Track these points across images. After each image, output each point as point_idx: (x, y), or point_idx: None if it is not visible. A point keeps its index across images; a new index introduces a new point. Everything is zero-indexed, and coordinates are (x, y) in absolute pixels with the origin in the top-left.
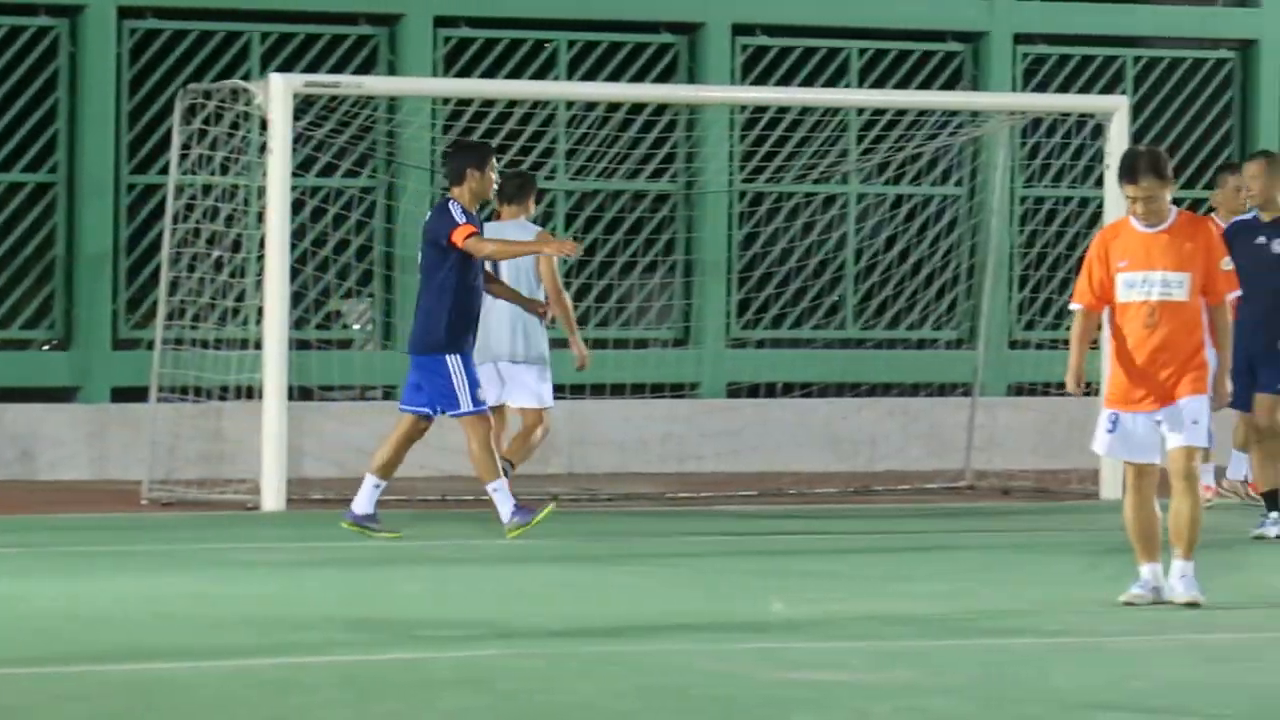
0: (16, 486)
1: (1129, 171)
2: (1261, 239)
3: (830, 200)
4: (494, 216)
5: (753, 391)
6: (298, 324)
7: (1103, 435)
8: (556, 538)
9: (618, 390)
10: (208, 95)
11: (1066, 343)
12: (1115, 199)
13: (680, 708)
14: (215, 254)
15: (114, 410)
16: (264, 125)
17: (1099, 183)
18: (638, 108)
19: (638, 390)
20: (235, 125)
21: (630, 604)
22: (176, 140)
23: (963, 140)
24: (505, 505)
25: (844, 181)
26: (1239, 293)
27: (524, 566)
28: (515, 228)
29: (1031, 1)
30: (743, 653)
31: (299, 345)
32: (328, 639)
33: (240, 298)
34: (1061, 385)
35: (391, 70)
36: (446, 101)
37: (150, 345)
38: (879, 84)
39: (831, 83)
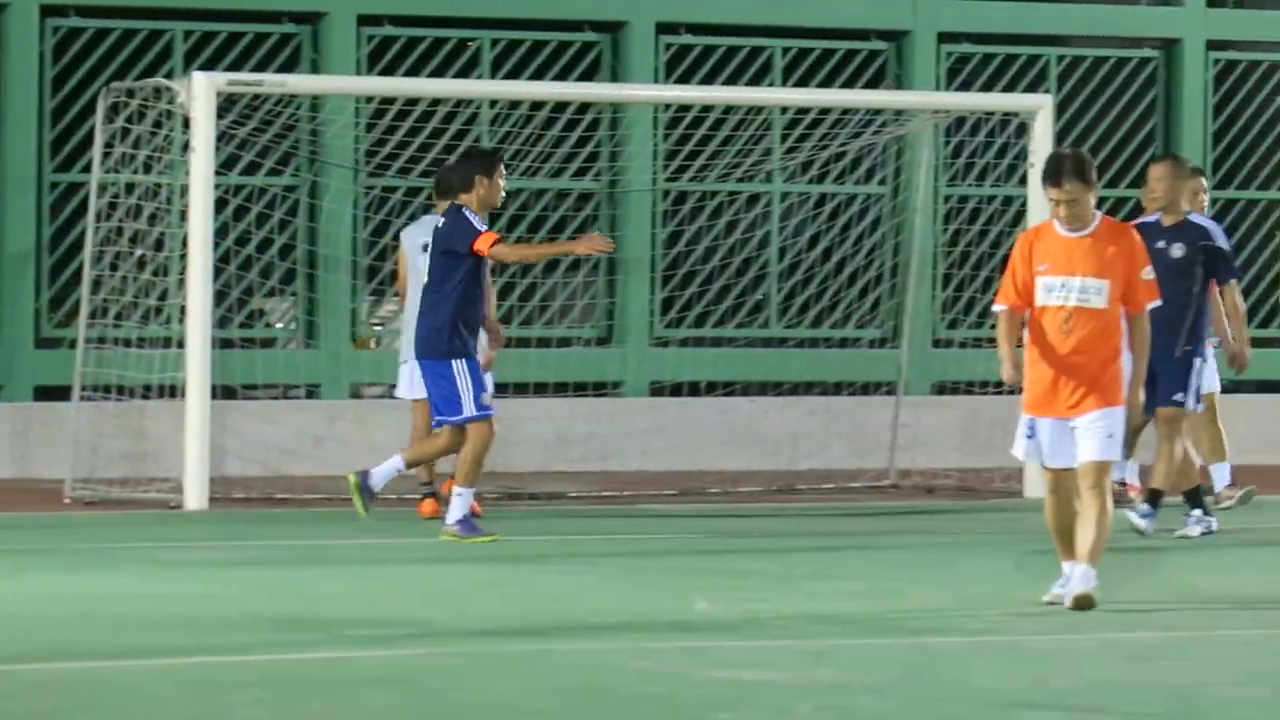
0: None
1: (1053, 174)
2: (1162, 243)
3: (754, 199)
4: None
5: (676, 390)
6: (221, 323)
7: (1021, 440)
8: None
9: (541, 389)
10: (131, 94)
11: (991, 341)
12: (1039, 198)
13: (604, 707)
14: (138, 252)
15: (36, 409)
16: (187, 124)
17: (1023, 182)
18: (561, 106)
19: (561, 389)
20: (158, 124)
21: (554, 603)
22: (99, 139)
23: (887, 139)
24: (459, 510)
25: (768, 180)
26: (1159, 302)
27: (447, 566)
28: None
29: (955, 0)
30: (666, 651)
31: (222, 344)
32: (252, 638)
33: (163, 296)
34: (985, 384)
35: (315, 69)
36: (370, 100)
37: (73, 344)
38: (803, 82)
39: (755, 81)
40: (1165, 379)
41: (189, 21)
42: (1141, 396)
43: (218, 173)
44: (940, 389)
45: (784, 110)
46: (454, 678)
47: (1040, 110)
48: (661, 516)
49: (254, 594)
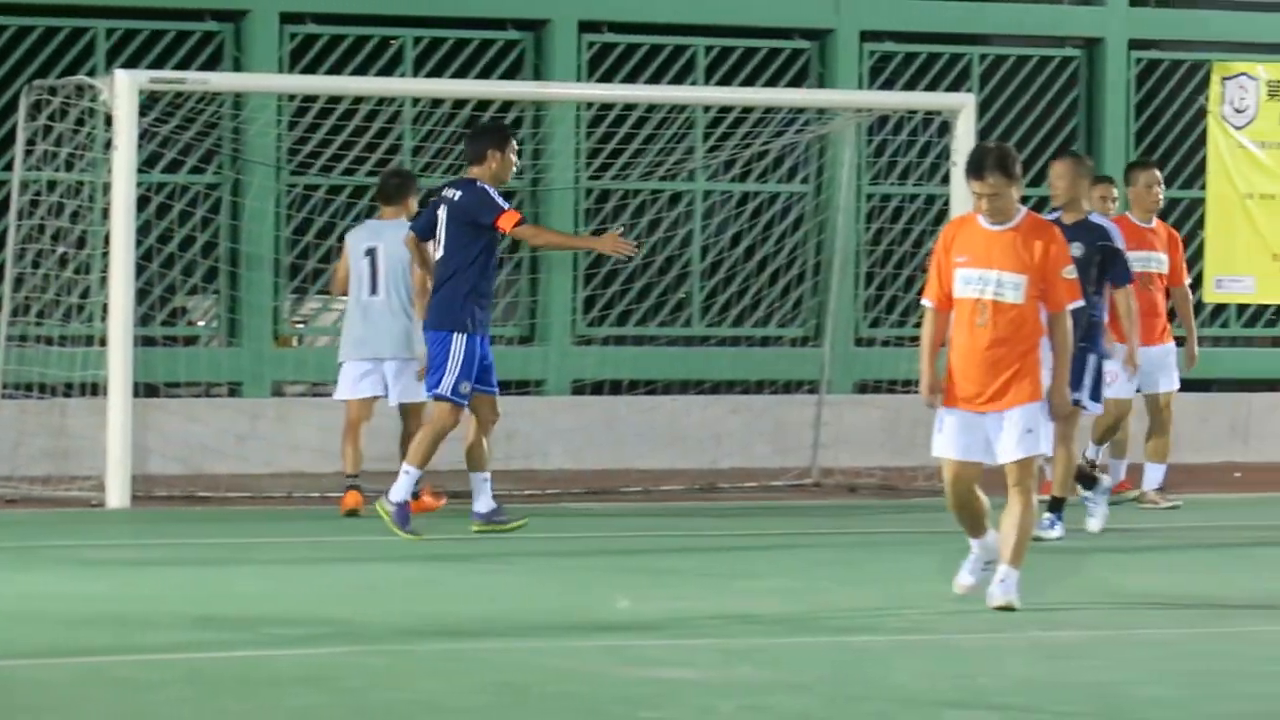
0: None
1: (976, 168)
2: None
3: (676, 198)
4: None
5: (598, 389)
6: (143, 320)
7: (936, 436)
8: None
9: None
10: (53, 91)
11: (914, 340)
12: (961, 196)
13: (526, 705)
14: (60, 250)
15: None
16: (109, 121)
17: (945, 180)
18: (484, 105)
19: None
20: (80, 121)
21: (476, 602)
22: (21, 136)
23: (809, 137)
24: (403, 491)
25: (690, 179)
26: (1081, 302)
27: (370, 565)
28: (395, 226)
29: None
30: (589, 650)
31: (144, 342)
32: (174, 637)
33: (85, 294)
34: (908, 382)
35: (237, 66)
36: (292, 98)
37: None
38: (726, 81)
39: (678, 80)
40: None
41: (111, 19)
42: (1068, 395)
43: (140, 170)
44: (863, 388)
45: (707, 109)
46: (376, 677)
47: (963, 109)
48: (584, 515)
49: (176, 593)
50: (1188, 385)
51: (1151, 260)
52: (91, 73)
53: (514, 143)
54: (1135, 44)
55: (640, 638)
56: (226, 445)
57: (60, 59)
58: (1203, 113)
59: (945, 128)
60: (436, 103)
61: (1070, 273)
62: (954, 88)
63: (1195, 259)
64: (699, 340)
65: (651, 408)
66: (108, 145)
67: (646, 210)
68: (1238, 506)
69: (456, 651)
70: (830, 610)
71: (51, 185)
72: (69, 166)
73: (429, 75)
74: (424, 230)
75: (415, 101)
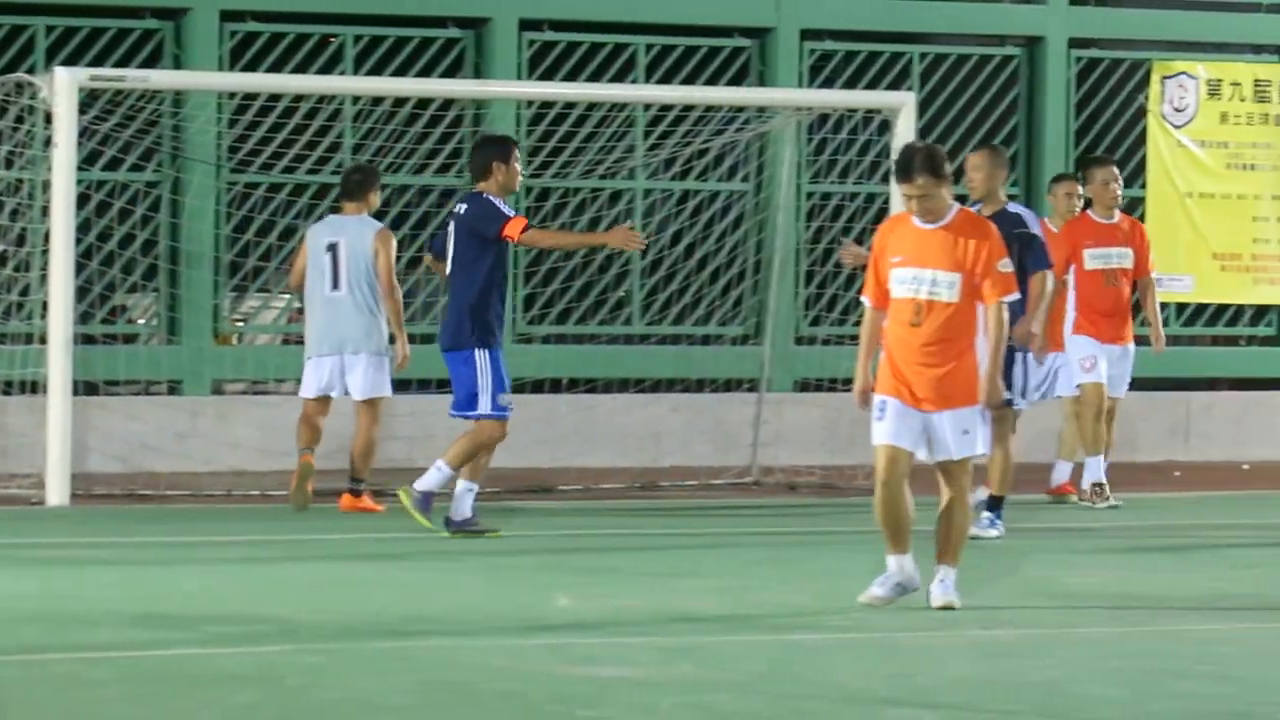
0: None
1: (904, 169)
2: None
3: (617, 196)
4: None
5: (538, 387)
6: (83, 318)
7: (876, 425)
8: (342, 533)
9: (403, 385)
10: None
11: (854, 339)
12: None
13: (464, 703)
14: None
15: None
16: (49, 119)
17: (885, 179)
18: (424, 103)
19: (424, 385)
20: (20, 119)
21: (415, 600)
22: None
23: (749, 136)
24: (429, 483)
25: (631, 177)
26: (1016, 296)
27: (309, 563)
28: (357, 222)
29: None
30: (528, 648)
31: (84, 340)
32: (114, 635)
33: (25, 292)
34: (848, 381)
35: (177, 64)
36: (232, 96)
37: None
38: (666, 79)
39: (619, 78)
40: None
41: (51, 16)
42: (1001, 387)
43: (80, 168)
44: (803, 386)
45: (647, 107)
46: (315, 675)
47: (903, 107)
48: (523, 513)
49: (117, 591)
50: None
51: (1114, 256)
52: (31, 70)
53: (517, 151)
54: (1075, 43)
55: (579, 636)
56: (166, 443)
57: None
58: (1143, 112)
59: (885, 126)
60: (377, 101)
61: (1006, 266)
62: (894, 86)
63: None
64: (639, 339)
65: (591, 406)
66: (47, 142)
67: (587, 208)
68: (1177, 505)
69: (396, 650)
70: (770, 608)
71: None
72: (8, 164)
73: (369, 73)
74: (440, 249)
75: (355, 99)
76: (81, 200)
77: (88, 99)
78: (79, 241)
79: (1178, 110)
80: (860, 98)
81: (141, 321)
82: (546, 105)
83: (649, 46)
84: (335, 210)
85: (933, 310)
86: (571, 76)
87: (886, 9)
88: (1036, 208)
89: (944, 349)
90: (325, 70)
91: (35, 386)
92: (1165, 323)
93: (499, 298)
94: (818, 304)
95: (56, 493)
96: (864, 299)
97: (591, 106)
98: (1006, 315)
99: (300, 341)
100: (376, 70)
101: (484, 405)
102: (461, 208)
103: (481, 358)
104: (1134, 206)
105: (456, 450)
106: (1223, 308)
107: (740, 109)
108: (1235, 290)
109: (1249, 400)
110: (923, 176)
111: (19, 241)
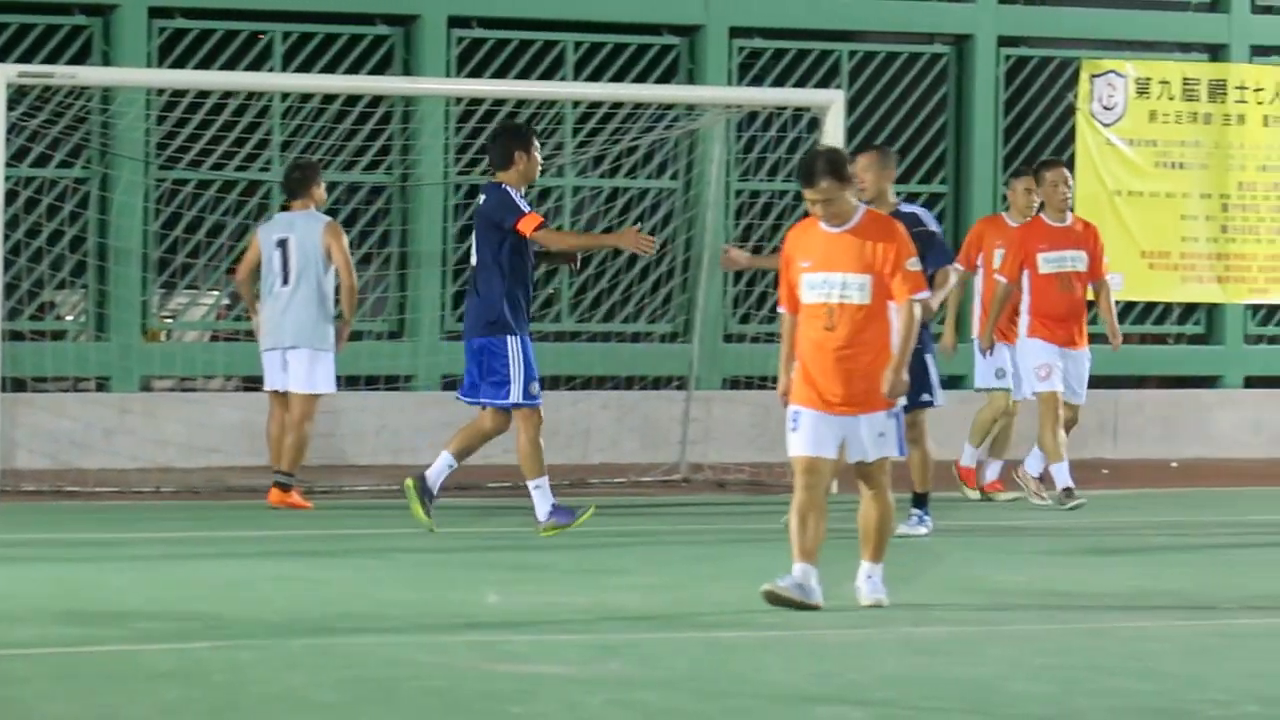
0: None
1: (806, 175)
2: None
3: (545, 193)
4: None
5: None
6: (10, 315)
7: (791, 435)
8: (266, 529)
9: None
10: None
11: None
12: None
13: (392, 700)
14: None
15: None
16: None
17: None
18: (353, 100)
19: (352, 383)
20: None
21: (343, 597)
22: None
23: (678, 133)
24: (544, 504)
25: (559, 174)
26: (927, 294)
27: (238, 560)
28: (305, 218)
29: None
30: (456, 645)
31: (12, 336)
32: (41, 632)
33: None
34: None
35: (106, 60)
36: (161, 92)
37: None
38: (595, 77)
39: (548, 76)
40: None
41: None
42: (905, 379)
43: (8, 165)
44: (732, 384)
45: (576, 104)
46: (243, 671)
47: (832, 105)
48: (452, 510)
49: (43, 587)
50: None
51: (1067, 259)
52: None
53: (536, 141)
54: (1004, 41)
55: (508, 633)
56: (94, 440)
57: None
58: (1071, 110)
59: (814, 124)
60: (305, 98)
61: (914, 264)
62: (823, 84)
63: None
64: (568, 335)
65: None
66: None
67: None
68: (1106, 503)
69: (324, 646)
70: (698, 606)
71: None
72: None
73: (298, 70)
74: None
75: (284, 96)
76: (10, 196)
77: (16, 95)
78: (7, 238)
79: (1106, 108)
80: (789, 95)
81: (70, 318)
82: (475, 102)
83: (578, 44)
84: (285, 208)
85: (845, 313)
86: (500, 74)
87: (815, 7)
88: (966, 204)
89: (858, 352)
90: (254, 67)
91: None
92: (1092, 320)
93: (523, 286)
94: (746, 302)
95: None
96: (780, 309)
97: (520, 103)
98: (919, 312)
99: (230, 338)
100: (305, 67)
101: (515, 395)
102: (481, 198)
103: (512, 345)
104: None
105: (526, 465)
106: (1151, 306)
107: (669, 106)
108: (1164, 288)
109: (1177, 398)
110: (826, 180)
111: None
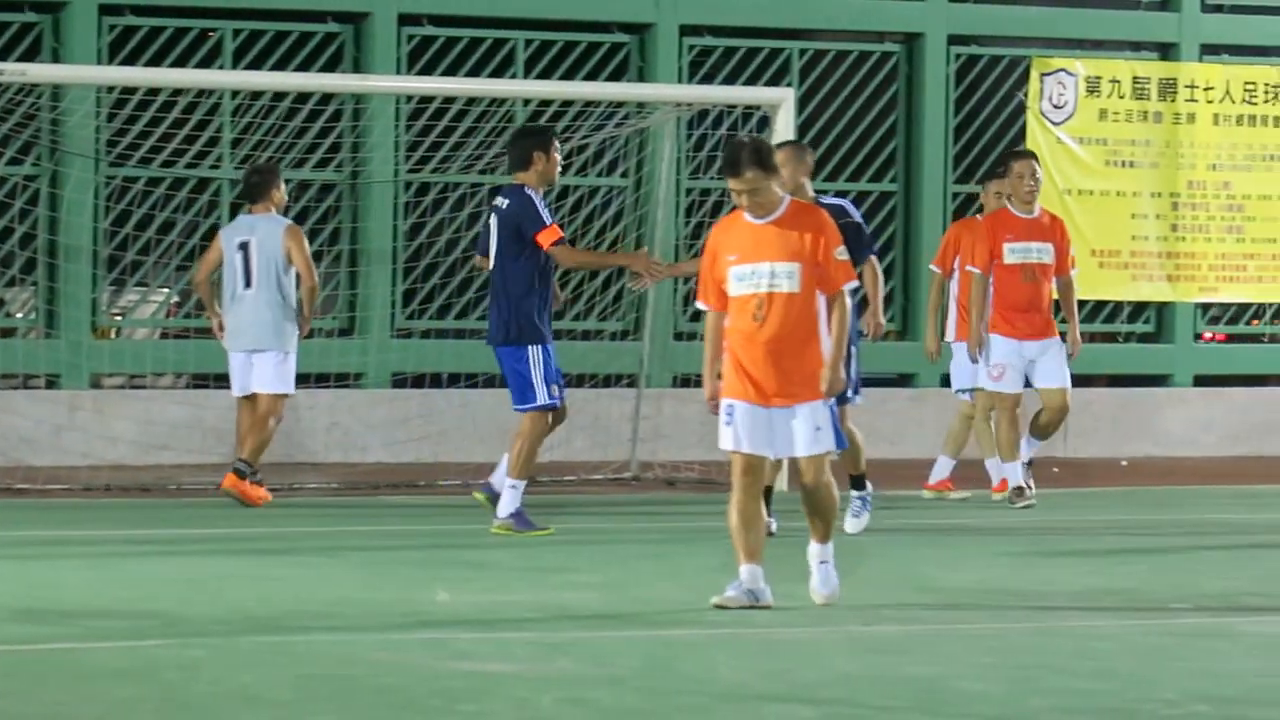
0: None
1: (731, 165)
2: None
3: (496, 191)
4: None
5: (418, 382)
6: None
7: (722, 429)
8: (217, 526)
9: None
10: None
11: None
12: None
13: (343, 698)
14: None
15: None
16: None
17: None
18: (304, 97)
19: (302, 380)
20: None
21: (295, 595)
22: None
23: (629, 131)
24: (511, 504)
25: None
26: (856, 283)
27: (188, 558)
28: (266, 220)
29: None
30: (407, 643)
31: None
32: None
33: None
34: None
35: (56, 58)
36: (111, 90)
37: None
38: (545, 75)
39: (498, 73)
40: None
41: None
42: (844, 377)
43: None
44: (683, 382)
45: (526, 102)
46: (195, 669)
47: (782, 104)
48: (403, 508)
49: None
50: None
51: (1033, 251)
52: None
53: (556, 142)
54: (954, 39)
55: (458, 631)
56: (44, 437)
57: None
58: (1022, 108)
59: (765, 122)
60: (256, 95)
61: (842, 253)
62: (774, 82)
63: None
64: None
65: (470, 401)
66: None
67: (466, 204)
68: (1056, 502)
69: (275, 644)
70: (649, 604)
71: None
72: None
73: (248, 67)
74: (484, 247)
75: (234, 94)
76: None
77: None
78: None
79: (1056, 107)
80: (739, 93)
81: (19, 315)
82: (426, 100)
83: (528, 41)
84: (247, 210)
85: (774, 303)
86: (451, 71)
87: (766, 5)
88: (916, 203)
89: (789, 342)
90: (204, 64)
91: None
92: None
93: (544, 291)
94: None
95: None
96: (700, 304)
97: (471, 101)
98: (850, 303)
99: (180, 336)
100: (255, 64)
101: (541, 397)
102: (503, 202)
103: (534, 355)
104: None
105: (518, 461)
106: (1101, 304)
107: (620, 104)
108: (1113, 287)
109: (1127, 397)
110: (751, 170)
111: None
